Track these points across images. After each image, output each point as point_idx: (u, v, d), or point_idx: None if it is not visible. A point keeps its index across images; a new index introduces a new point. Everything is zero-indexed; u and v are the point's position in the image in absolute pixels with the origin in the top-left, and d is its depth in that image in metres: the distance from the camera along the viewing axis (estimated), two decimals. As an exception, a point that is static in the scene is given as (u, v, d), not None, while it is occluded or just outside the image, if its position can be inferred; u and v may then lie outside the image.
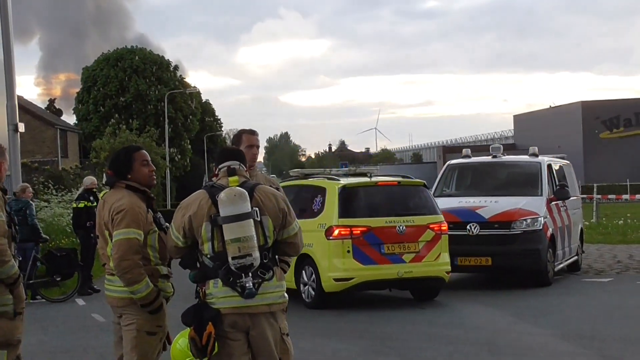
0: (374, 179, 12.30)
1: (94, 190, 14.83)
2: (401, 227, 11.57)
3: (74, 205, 15.08)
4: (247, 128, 5.89)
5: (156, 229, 4.99)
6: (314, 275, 11.66)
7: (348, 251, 11.40)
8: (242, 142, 5.77)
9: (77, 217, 14.83)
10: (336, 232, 11.45)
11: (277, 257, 4.98)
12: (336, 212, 11.56)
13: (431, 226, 11.82)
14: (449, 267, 11.97)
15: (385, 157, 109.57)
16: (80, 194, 15.17)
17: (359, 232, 11.44)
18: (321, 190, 12.00)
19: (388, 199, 11.98)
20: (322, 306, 11.59)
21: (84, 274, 14.33)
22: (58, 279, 13.87)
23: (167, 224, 5.05)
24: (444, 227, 11.97)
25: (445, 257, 11.93)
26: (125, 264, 4.80)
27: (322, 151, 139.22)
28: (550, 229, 13.69)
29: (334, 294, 11.63)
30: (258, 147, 5.85)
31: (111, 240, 4.92)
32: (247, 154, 5.63)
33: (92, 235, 14.33)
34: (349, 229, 11.43)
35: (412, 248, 11.63)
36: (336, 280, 11.44)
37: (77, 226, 14.97)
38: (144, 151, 5.17)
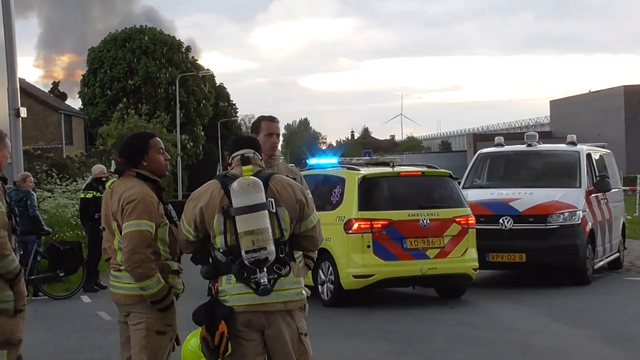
0: (396, 168, 12.28)
1: (104, 179, 14.87)
2: (425, 221, 11.55)
3: (82, 195, 15.15)
4: (267, 115, 5.86)
5: (167, 221, 5.00)
6: (332, 272, 11.67)
7: (368, 246, 11.39)
8: (261, 130, 5.73)
9: (84, 208, 14.89)
10: (355, 225, 11.45)
11: (301, 252, 4.98)
12: (356, 205, 11.55)
13: (457, 220, 11.78)
14: (476, 264, 11.94)
15: (412, 146, 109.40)
16: (88, 183, 15.24)
17: (379, 225, 11.43)
18: (340, 181, 11.99)
19: (411, 191, 11.97)
20: (340, 304, 11.60)
21: (91, 268, 14.42)
22: (61, 274, 13.95)
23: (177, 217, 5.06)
24: (471, 220, 11.94)
25: (473, 253, 11.90)
26: (136, 257, 4.81)
27: (344, 139, 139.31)
28: (590, 224, 13.60)
29: (354, 291, 11.63)
30: (278, 135, 5.83)
31: (120, 232, 4.93)
32: (266, 142, 5.63)
33: (100, 227, 14.39)
34: (369, 223, 11.42)
35: (437, 243, 11.60)
36: (355, 277, 11.44)
37: (84, 218, 15.04)
38: (159, 138, 5.19)
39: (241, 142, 4.94)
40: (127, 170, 5.06)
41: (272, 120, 5.82)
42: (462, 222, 11.82)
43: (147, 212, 4.88)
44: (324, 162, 12.75)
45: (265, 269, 4.52)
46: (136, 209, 4.86)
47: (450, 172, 12.48)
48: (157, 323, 4.95)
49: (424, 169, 12.51)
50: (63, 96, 65.16)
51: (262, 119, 5.83)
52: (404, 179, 12.13)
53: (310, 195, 5.12)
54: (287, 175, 5.21)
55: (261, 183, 4.61)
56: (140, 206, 4.87)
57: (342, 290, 11.60)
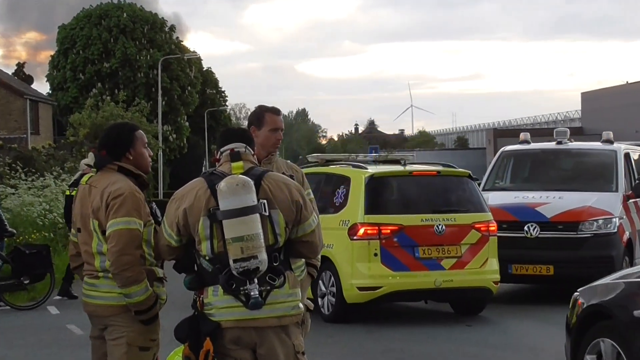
0: (408, 167, 12.32)
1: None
2: (440, 227, 11.57)
3: (67, 192, 15.18)
4: (269, 105, 5.82)
5: (153, 221, 5.01)
6: (333, 283, 11.69)
7: (375, 254, 11.41)
8: (265, 124, 5.69)
9: (70, 206, 14.90)
10: (361, 231, 11.46)
11: (304, 260, 4.95)
12: (362, 207, 11.57)
13: (477, 226, 11.81)
14: (497, 276, 11.97)
15: (424, 141, 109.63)
16: (76, 179, 15.27)
17: (388, 231, 11.45)
18: (344, 180, 12.01)
19: (425, 192, 12.01)
20: (343, 320, 11.63)
21: (69, 273, 14.42)
22: (26, 281, 13.96)
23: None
24: (493, 227, 11.97)
25: (494, 264, 11.93)
26: (126, 259, 4.81)
27: (347, 132, 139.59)
28: (627, 233, 13.63)
29: (358, 305, 11.65)
30: (283, 129, 5.82)
31: (101, 233, 4.93)
32: (270, 138, 5.63)
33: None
34: (376, 228, 11.44)
35: (453, 252, 11.63)
36: (360, 289, 11.46)
37: (70, 218, 15.03)
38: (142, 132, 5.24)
39: (231, 135, 4.93)
40: (109, 164, 5.06)
41: (277, 113, 5.80)
42: (482, 228, 11.84)
43: (136, 208, 4.90)
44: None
45: (255, 280, 4.52)
46: (124, 205, 4.88)
47: (470, 172, 12.49)
48: (140, 338, 4.96)
49: (440, 168, 12.52)
50: (29, 79, 65.12)
51: (265, 110, 5.77)
52: (417, 179, 12.16)
53: (311, 196, 5.11)
54: (285, 173, 5.19)
55: (252, 183, 4.60)
56: (128, 202, 4.89)
57: (345, 304, 11.61)
